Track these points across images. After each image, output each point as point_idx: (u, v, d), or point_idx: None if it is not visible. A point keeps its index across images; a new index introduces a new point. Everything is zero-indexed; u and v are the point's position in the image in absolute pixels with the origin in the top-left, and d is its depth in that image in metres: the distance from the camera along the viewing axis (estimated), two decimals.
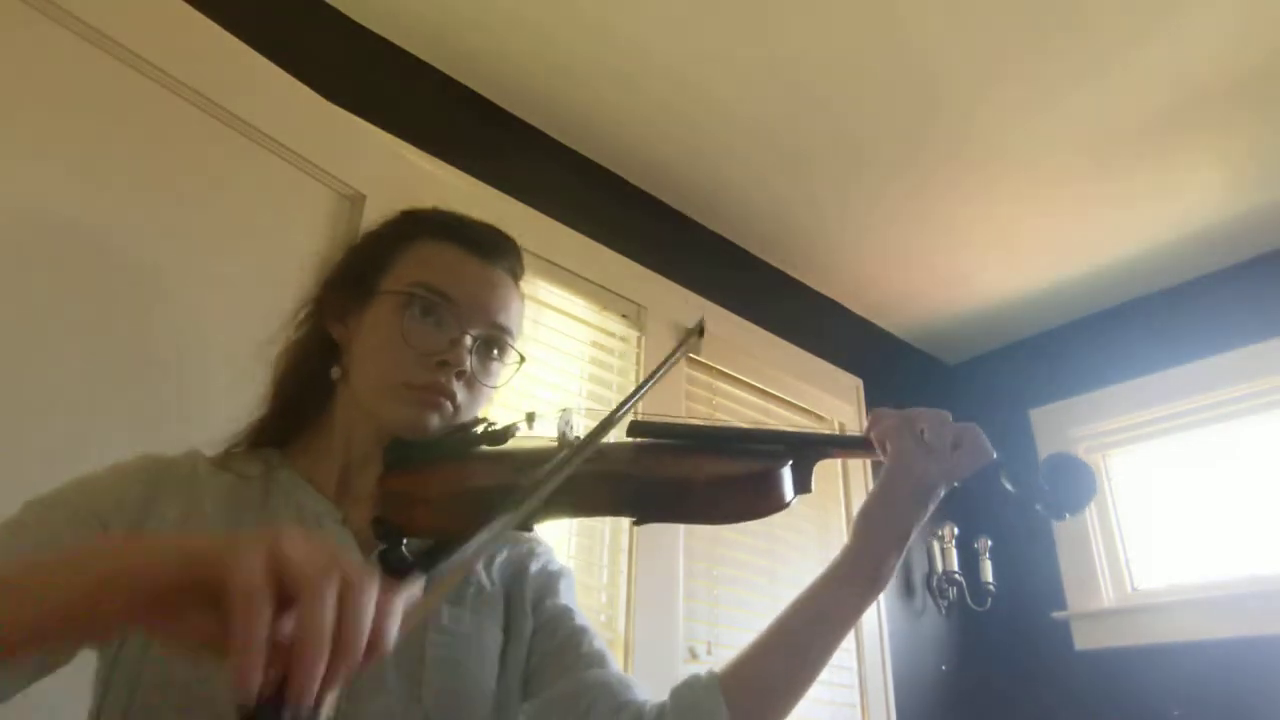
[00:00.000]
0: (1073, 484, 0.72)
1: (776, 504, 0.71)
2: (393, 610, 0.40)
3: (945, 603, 2.61)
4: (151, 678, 0.63)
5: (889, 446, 0.76)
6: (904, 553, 0.74)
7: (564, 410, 0.79)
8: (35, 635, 0.42)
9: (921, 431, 0.75)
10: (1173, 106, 1.95)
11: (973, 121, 2.01)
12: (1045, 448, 2.72)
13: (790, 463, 0.72)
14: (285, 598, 0.37)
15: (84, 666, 0.69)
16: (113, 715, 0.63)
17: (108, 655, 0.66)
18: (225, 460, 0.77)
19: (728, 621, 1.98)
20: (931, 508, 0.74)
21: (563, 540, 1.76)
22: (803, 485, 0.73)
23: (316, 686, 0.36)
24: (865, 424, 0.80)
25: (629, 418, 0.78)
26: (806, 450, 0.75)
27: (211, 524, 0.70)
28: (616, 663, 0.80)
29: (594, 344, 2.01)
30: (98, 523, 0.65)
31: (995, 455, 0.75)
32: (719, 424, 0.85)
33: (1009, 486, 0.74)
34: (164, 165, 1.19)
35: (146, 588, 0.40)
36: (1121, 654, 2.39)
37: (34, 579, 0.43)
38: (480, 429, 0.80)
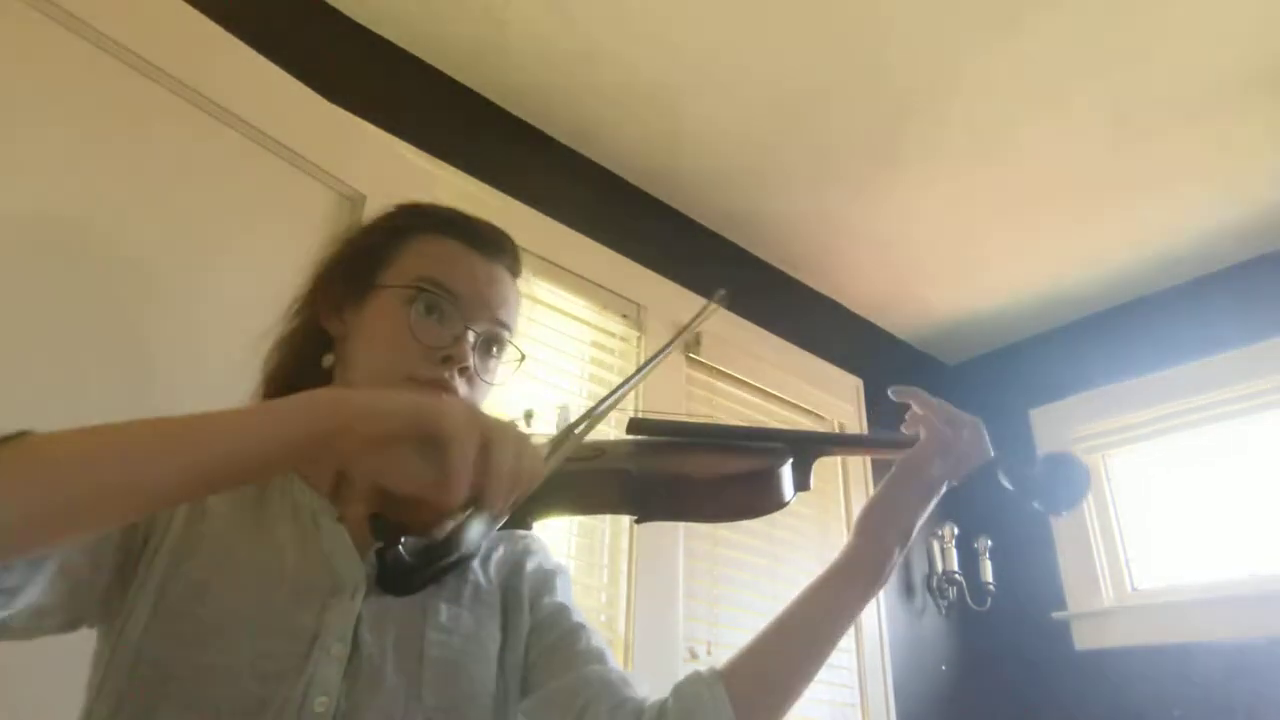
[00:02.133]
0: (1067, 481, 0.75)
1: (776, 502, 0.71)
2: (538, 454, 0.57)
3: (945, 603, 2.61)
4: (148, 671, 0.63)
5: (933, 430, 0.77)
6: (906, 549, 0.77)
7: (562, 407, 0.79)
8: (264, 461, 0.52)
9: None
10: (1175, 107, 1.95)
11: (974, 122, 2.01)
12: (1045, 448, 2.72)
13: (790, 460, 0.73)
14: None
15: (78, 668, 0.69)
16: (105, 708, 0.63)
17: (105, 646, 0.65)
18: None
19: (728, 621, 1.98)
20: (933, 505, 0.77)
21: (562, 540, 1.76)
22: (802, 483, 0.74)
23: (501, 501, 0.53)
24: (908, 408, 0.82)
25: (629, 414, 0.79)
26: (806, 448, 0.76)
27: (213, 518, 0.70)
28: (615, 660, 0.80)
29: (594, 344, 2.00)
30: None
31: (993, 454, 0.77)
32: (718, 423, 0.85)
33: (1006, 484, 0.77)
34: (163, 165, 1.19)
35: (378, 433, 0.52)
36: (1121, 654, 2.39)
37: (273, 414, 0.53)
38: None
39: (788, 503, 0.72)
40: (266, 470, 0.55)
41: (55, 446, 0.49)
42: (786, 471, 0.72)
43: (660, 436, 0.79)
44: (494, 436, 0.53)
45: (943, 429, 0.77)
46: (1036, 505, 0.75)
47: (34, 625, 0.60)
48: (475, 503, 0.53)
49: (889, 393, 0.82)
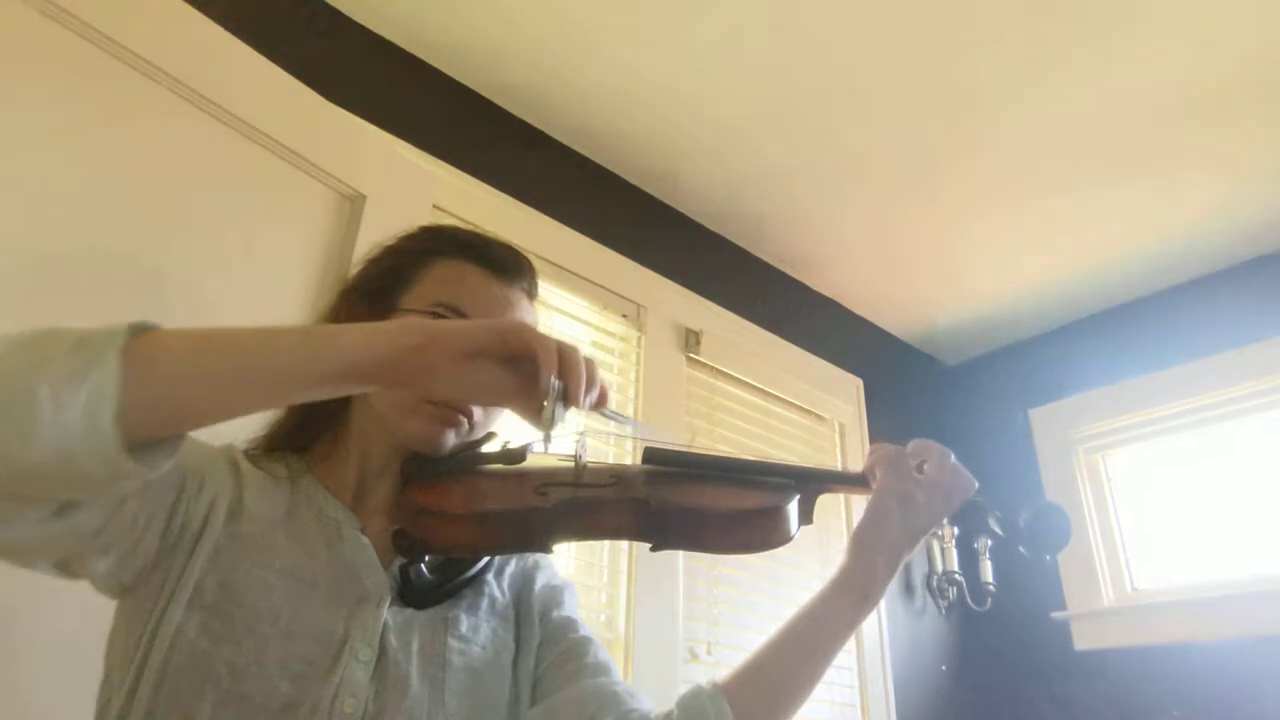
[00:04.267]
0: (1050, 531, 0.81)
1: (784, 536, 0.75)
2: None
3: (945, 603, 2.61)
4: (181, 665, 0.64)
5: (877, 475, 0.82)
6: (895, 574, 0.80)
7: (580, 434, 0.82)
8: (358, 371, 0.57)
9: (921, 465, 0.81)
10: (1172, 108, 1.95)
11: (972, 123, 2.01)
12: (1045, 448, 2.72)
13: (797, 497, 0.77)
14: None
15: (87, 666, 0.69)
16: (139, 702, 0.63)
17: (138, 640, 0.65)
18: (253, 458, 0.79)
19: (728, 622, 1.98)
20: (923, 540, 0.81)
21: None
22: (806, 517, 0.78)
23: (583, 393, 0.60)
24: (867, 451, 0.86)
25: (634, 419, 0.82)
26: (811, 485, 0.80)
27: (249, 519, 0.72)
28: (620, 673, 0.83)
29: (594, 344, 2.01)
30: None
31: (980, 497, 0.82)
32: (731, 456, 0.89)
33: (997, 530, 0.82)
34: (164, 165, 1.19)
35: (463, 347, 0.58)
36: (1121, 654, 2.39)
37: (367, 330, 0.60)
38: (497, 447, 0.82)
39: (793, 537, 0.75)
40: (359, 380, 0.59)
41: (184, 337, 0.55)
42: (794, 507, 0.76)
43: (676, 468, 0.82)
44: (565, 346, 0.60)
45: (894, 482, 0.80)
46: (1022, 550, 0.81)
47: (53, 542, 0.59)
48: (563, 398, 0.59)
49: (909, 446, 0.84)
